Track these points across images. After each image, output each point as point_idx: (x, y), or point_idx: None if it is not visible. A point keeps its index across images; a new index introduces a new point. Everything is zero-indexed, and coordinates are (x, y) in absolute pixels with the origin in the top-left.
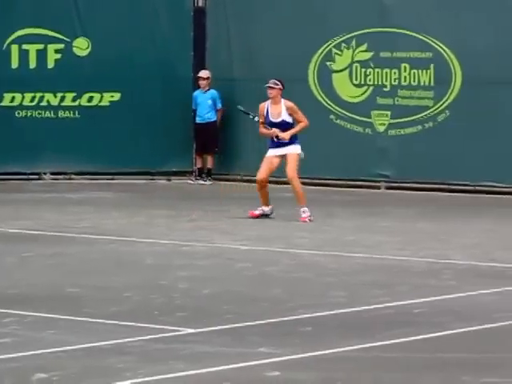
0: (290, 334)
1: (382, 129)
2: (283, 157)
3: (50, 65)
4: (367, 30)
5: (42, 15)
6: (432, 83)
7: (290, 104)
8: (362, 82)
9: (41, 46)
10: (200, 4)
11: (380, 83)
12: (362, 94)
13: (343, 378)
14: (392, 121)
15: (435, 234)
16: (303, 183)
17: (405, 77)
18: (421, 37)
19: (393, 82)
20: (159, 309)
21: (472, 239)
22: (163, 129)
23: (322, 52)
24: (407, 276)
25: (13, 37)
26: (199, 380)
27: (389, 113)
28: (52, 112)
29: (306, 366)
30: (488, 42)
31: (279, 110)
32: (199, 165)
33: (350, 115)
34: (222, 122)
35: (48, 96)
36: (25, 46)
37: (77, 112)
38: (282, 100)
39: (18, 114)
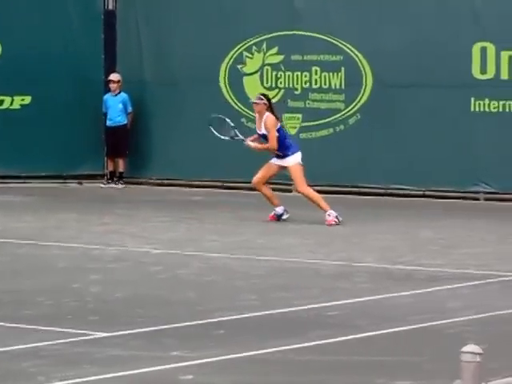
0: (203, 337)
1: (293, 132)
2: (284, 168)
3: None
4: (278, 33)
5: None
6: (343, 86)
7: (266, 121)
8: (273, 85)
9: None
10: (110, 7)
11: (291, 86)
12: (273, 97)
13: (256, 381)
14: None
15: (347, 236)
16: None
17: (315, 80)
18: (331, 39)
19: (304, 85)
20: (72, 313)
21: (382, 242)
22: (74, 132)
23: (232, 55)
24: (319, 279)
25: None
26: None
27: (300, 116)
28: None
29: (219, 369)
30: (397, 43)
31: (261, 123)
32: (111, 168)
33: None
34: (133, 125)
35: None
36: None
37: None
38: (266, 114)
39: None
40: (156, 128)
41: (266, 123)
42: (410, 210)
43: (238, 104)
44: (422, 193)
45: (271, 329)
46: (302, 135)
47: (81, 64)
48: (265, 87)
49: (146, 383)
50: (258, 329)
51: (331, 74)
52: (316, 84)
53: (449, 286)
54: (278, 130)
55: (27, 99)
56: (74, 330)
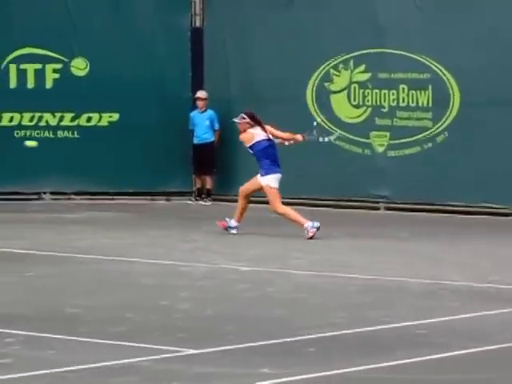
0: (292, 355)
1: (381, 150)
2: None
3: (49, 85)
4: (365, 51)
5: (41, 35)
6: (430, 104)
7: (243, 138)
8: (361, 103)
9: (39, 66)
10: (198, 24)
11: (378, 104)
12: (360, 115)
13: None
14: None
15: (431, 254)
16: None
17: (403, 98)
18: (418, 57)
19: (391, 103)
20: (160, 329)
21: (467, 260)
22: (162, 149)
23: (319, 73)
24: (406, 297)
25: (11, 56)
26: None
27: (388, 134)
28: (51, 132)
29: None
30: (485, 61)
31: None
32: (198, 185)
33: (349, 136)
34: (220, 142)
35: (46, 116)
36: (23, 66)
37: (76, 132)
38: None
39: (17, 133)
40: (243, 145)
41: (243, 140)
42: (496, 228)
43: (326, 121)
44: (508, 211)
45: (360, 347)
46: (390, 153)
47: (168, 81)
48: (352, 105)
49: None
50: (347, 347)
51: (418, 91)
52: (403, 102)
53: None
54: (256, 147)
55: (115, 116)
56: (162, 347)
